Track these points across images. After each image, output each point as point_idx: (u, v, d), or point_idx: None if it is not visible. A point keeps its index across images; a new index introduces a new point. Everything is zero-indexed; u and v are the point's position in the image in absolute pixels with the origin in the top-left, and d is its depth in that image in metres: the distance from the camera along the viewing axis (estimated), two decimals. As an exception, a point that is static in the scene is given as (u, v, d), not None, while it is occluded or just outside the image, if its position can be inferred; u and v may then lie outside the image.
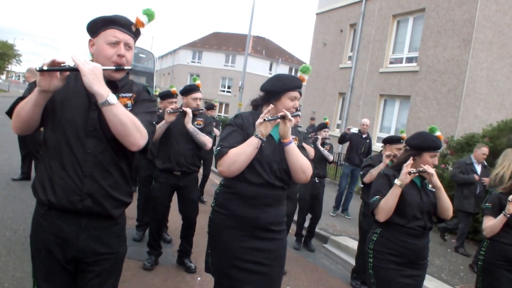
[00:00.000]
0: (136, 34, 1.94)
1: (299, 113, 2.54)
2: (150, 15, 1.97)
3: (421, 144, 2.88)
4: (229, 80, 41.01)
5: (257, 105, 2.54)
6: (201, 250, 4.78)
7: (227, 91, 40.75)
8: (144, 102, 1.94)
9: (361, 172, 4.72)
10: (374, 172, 4.43)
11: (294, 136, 2.46)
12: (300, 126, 2.75)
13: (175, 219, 5.35)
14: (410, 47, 13.87)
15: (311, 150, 4.41)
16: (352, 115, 15.77)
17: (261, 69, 39.89)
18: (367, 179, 4.53)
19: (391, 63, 14.58)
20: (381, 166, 4.40)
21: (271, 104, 2.36)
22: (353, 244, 5.75)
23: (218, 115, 35.48)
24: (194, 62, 43.72)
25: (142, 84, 2.03)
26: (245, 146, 2.27)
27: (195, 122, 4.18)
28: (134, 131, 1.73)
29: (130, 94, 1.92)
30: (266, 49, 42.68)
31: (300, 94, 2.48)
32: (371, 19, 15.43)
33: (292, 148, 2.35)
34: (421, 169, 2.77)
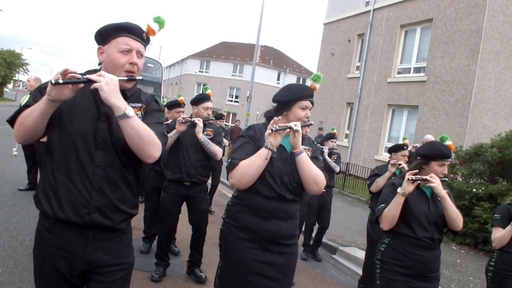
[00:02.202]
0: (146, 42, 1.90)
1: (311, 122, 2.54)
2: (161, 23, 1.95)
3: (428, 152, 2.86)
4: (236, 89, 41.04)
5: (270, 117, 2.49)
6: (208, 261, 4.79)
7: (235, 101, 40.79)
8: (154, 112, 1.91)
9: (368, 182, 4.72)
10: (380, 181, 4.43)
11: (307, 147, 2.45)
12: (309, 137, 2.74)
13: (182, 230, 5.34)
14: (417, 57, 13.90)
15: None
16: (360, 125, 15.76)
17: (269, 79, 39.90)
18: (373, 188, 4.53)
19: (399, 73, 14.60)
20: (387, 175, 4.40)
21: (278, 116, 2.34)
22: (362, 255, 5.67)
23: (226, 125, 35.57)
24: (202, 71, 43.80)
25: (150, 93, 2.01)
26: (255, 157, 2.26)
27: (205, 132, 4.14)
28: (150, 144, 1.71)
29: (140, 104, 1.88)
30: (274, 58, 42.74)
31: (312, 103, 2.46)
32: (378, 29, 15.48)
33: (303, 158, 2.31)
34: (423, 177, 2.74)
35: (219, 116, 8.39)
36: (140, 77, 1.84)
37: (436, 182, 2.72)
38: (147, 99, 1.93)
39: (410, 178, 2.72)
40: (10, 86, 72.68)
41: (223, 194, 9.59)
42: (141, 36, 1.86)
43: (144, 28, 1.89)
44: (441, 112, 12.26)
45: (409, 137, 13.25)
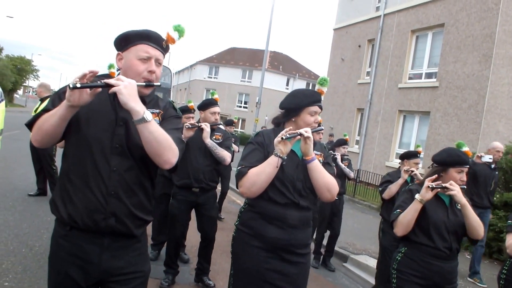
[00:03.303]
0: (165, 50, 1.90)
1: (322, 127, 2.48)
2: (180, 31, 1.94)
3: (446, 159, 2.81)
4: (245, 95, 41.14)
5: (278, 123, 2.49)
6: (218, 268, 4.73)
7: (244, 107, 40.88)
8: (172, 118, 1.91)
9: (380, 188, 4.66)
10: (393, 188, 4.39)
11: (318, 153, 2.41)
12: (320, 142, 2.68)
13: (192, 237, 5.27)
14: (429, 62, 13.76)
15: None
16: (371, 131, 15.63)
17: (278, 85, 39.93)
18: (386, 195, 4.47)
19: (410, 78, 14.46)
20: (399, 182, 4.35)
21: (286, 122, 2.31)
22: (374, 263, 5.58)
23: (235, 131, 35.53)
24: (211, 77, 44.01)
25: (168, 99, 2.00)
26: (265, 165, 2.21)
27: (213, 137, 4.13)
28: (168, 149, 1.70)
29: (158, 110, 1.88)
30: (283, 64, 42.79)
31: (321, 108, 2.42)
32: (389, 34, 15.38)
33: (315, 165, 2.28)
34: (443, 184, 2.67)
35: (229, 122, 8.33)
36: (158, 83, 1.83)
37: (456, 190, 2.65)
38: (165, 105, 1.93)
39: (430, 186, 2.65)
40: (20, 92, 73.71)
41: (232, 201, 9.53)
42: (161, 44, 1.85)
43: (164, 36, 1.89)
44: (453, 118, 12.10)
45: (420, 143, 13.14)
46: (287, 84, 41.60)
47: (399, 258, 2.82)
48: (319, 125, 2.45)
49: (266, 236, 2.29)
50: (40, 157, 6.69)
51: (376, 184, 12.72)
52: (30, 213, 5.82)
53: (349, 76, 17.58)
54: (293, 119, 2.38)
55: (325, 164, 2.43)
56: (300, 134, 2.20)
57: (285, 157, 2.21)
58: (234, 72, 42.24)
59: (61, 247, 1.78)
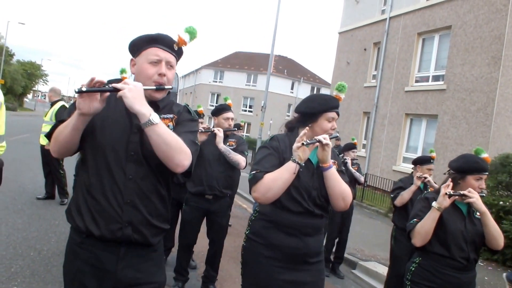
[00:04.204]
0: (178, 53, 1.87)
1: (337, 134, 2.40)
2: (192, 33, 1.89)
3: (463, 166, 2.69)
4: (250, 99, 41.20)
5: (292, 127, 2.41)
6: (225, 274, 4.67)
7: (249, 111, 40.90)
8: (186, 121, 1.87)
9: (392, 195, 4.54)
10: (405, 195, 4.26)
11: (333, 160, 2.32)
12: (333, 149, 2.58)
13: (199, 243, 5.18)
14: (436, 65, 13.62)
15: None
16: (377, 135, 15.50)
17: (283, 88, 39.99)
18: (398, 202, 4.34)
19: (416, 81, 14.33)
20: (412, 189, 4.23)
21: (306, 127, 2.22)
22: (383, 270, 5.51)
23: (241, 135, 35.49)
24: (216, 81, 44.18)
25: (183, 104, 1.97)
26: (282, 171, 2.13)
27: (227, 143, 4.08)
28: (178, 151, 1.65)
29: (171, 116, 1.85)
30: (288, 68, 42.84)
31: (338, 114, 2.34)
32: (395, 37, 15.26)
33: (332, 173, 2.20)
34: (461, 192, 2.56)
35: (236, 126, 8.28)
36: (170, 87, 1.81)
37: (475, 197, 2.54)
38: (179, 110, 1.90)
39: (447, 193, 2.54)
40: (30, 96, 75.10)
41: (239, 205, 9.48)
42: (171, 46, 1.83)
43: (175, 39, 1.85)
44: (462, 121, 11.94)
45: (427, 146, 13.00)
46: (292, 88, 41.62)
47: (413, 269, 2.70)
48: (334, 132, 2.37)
49: (279, 245, 2.22)
50: (48, 161, 6.74)
51: (383, 188, 12.60)
52: (38, 216, 5.85)
53: (354, 80, 17.45)
54: (310, 125, 2.30)
55: (339, 172, 2.34)
56: (319, 141, 2.13)
57: (303, 164, 2.14)
58: (239, 76, 42.36)
59: (76, 255, 1.76)
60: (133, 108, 1.57)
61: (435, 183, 4.23)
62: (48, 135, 1.79)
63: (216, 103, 42.87)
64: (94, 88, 1.56)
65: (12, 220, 5.48)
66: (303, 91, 41.65)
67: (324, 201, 2.27)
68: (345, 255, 6.17)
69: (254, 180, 2.17)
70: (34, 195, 6.96)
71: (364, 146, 16.60)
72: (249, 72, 42.19)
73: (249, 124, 39.81)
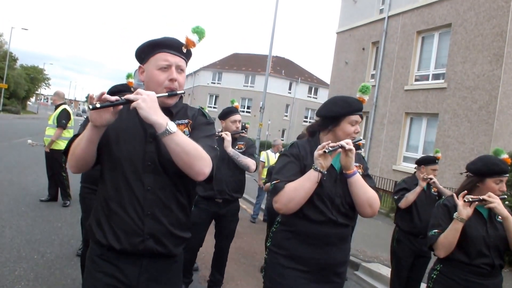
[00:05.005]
0: (187, 56, 1.80)
1: (361, 138, 2.20)
2: (200, 33, 1.80)
3: (482, 168, 2.55)
4: (248, 100, 41.16)
5: (314, 132, 2.28)
6: (227, 276, 4.60)
7: (247, 112, 40.79)
8: (202, 126, 1.82)
9: (395, 197, 4.36)
10: (410, 197, 4.12)
11: (357, 164, 2.18)
12: (357, 152, 2.44)
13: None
14: (436, 63, 13.48)
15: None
16: (377, 135, 15.36)
17: (280, 89, 39.98)
18: (403, 204, 4.18)
19: (416, 80, 14.19)
20: (417, 190, 4.10)
21: (322, 131, 2.14)
22: (387, 272, 5.35)
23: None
24: (214, 83, 44.19)
25: (197, 107, 1.93)
26: (304, 180, 2.03)
27: (236, 147, 4.02)
28: (198, 159, 1.60)
29: (186, 121, 1.80)
30: (286, 68, 42.82)
31: (361, 117, 2.20)
32: (394, 36, 15.14)
33: (357, 180, 2.09)
34: (480, 197, 2.41)
35: (242, 128, 8.20)
36: (182, 91, 1.75)
37: (496, 202, 2.41)
38: (194, 114, 1.86)
39: (466, 200, 2.39)
40: (33, 99, 76.75)
41: (243, 208, 9.34)
42: (180, 49, 1.77)
43: (183, 41, 1.79)
44: (463, 120, 11.78)
45: (428, 145, 12.85)
46: (290, 89, 41.57)
47: (434, 277, 2.58)
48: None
49: (302, 256, 2.12)
50: (51, 163, 6.82)
51: (384, 188, 12.44)
52: (42, 218, 5.88)
53: (353, 79, 17.32)
54: (331, 129, 2.18)
55: (365, 176, 2.21)
56: (341, 147, 2.03)
57: (325, 172, 2.05)
58: (237, 77, 42.38)
59: (97, 267, 1.72)
60: (148, 118, 1.51)
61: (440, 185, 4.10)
62: (65, 152, 1.76)
63: (215, 104, 42.80)
64: (108, 103, 1.51)
65: (16, 222, 5.49)
66: (301, 92, 41.61)
67: (349, 209, 2.14)
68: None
69: (275, 191, 2.09)
70: (38, 197, 6.98)
71: (363, 145, 16.46)
72: (247, 73, 42.22)
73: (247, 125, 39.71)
